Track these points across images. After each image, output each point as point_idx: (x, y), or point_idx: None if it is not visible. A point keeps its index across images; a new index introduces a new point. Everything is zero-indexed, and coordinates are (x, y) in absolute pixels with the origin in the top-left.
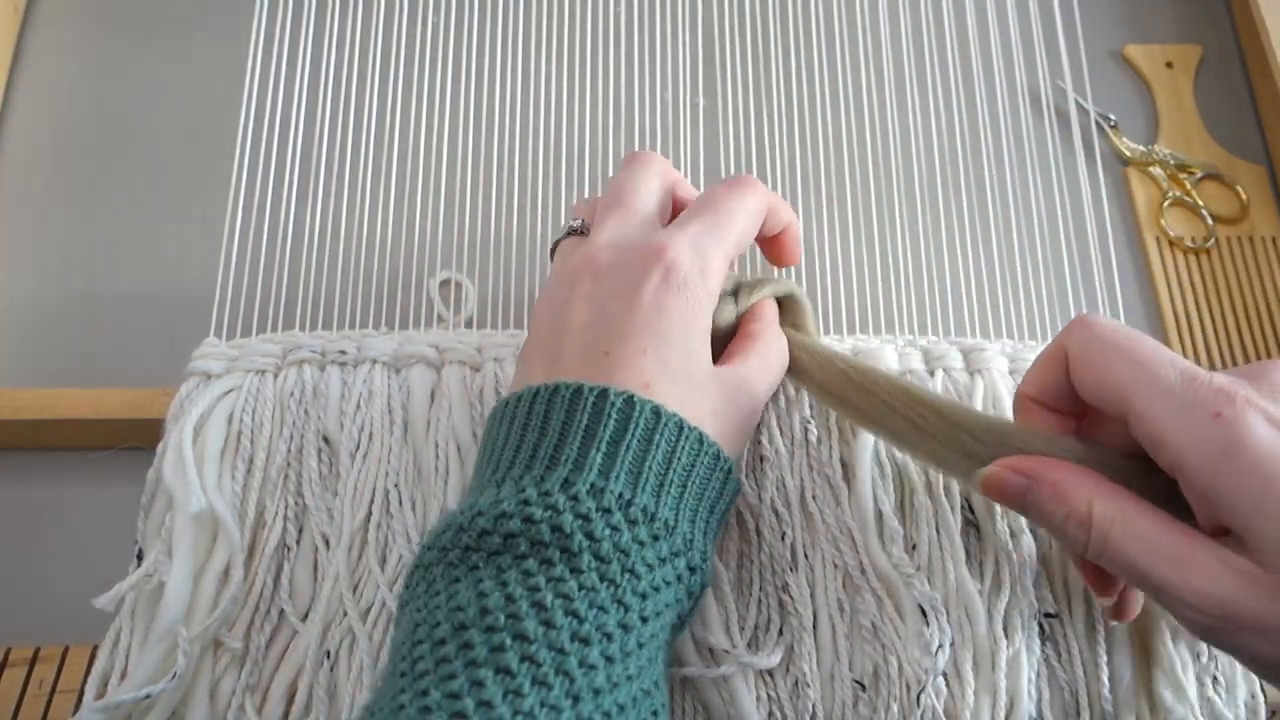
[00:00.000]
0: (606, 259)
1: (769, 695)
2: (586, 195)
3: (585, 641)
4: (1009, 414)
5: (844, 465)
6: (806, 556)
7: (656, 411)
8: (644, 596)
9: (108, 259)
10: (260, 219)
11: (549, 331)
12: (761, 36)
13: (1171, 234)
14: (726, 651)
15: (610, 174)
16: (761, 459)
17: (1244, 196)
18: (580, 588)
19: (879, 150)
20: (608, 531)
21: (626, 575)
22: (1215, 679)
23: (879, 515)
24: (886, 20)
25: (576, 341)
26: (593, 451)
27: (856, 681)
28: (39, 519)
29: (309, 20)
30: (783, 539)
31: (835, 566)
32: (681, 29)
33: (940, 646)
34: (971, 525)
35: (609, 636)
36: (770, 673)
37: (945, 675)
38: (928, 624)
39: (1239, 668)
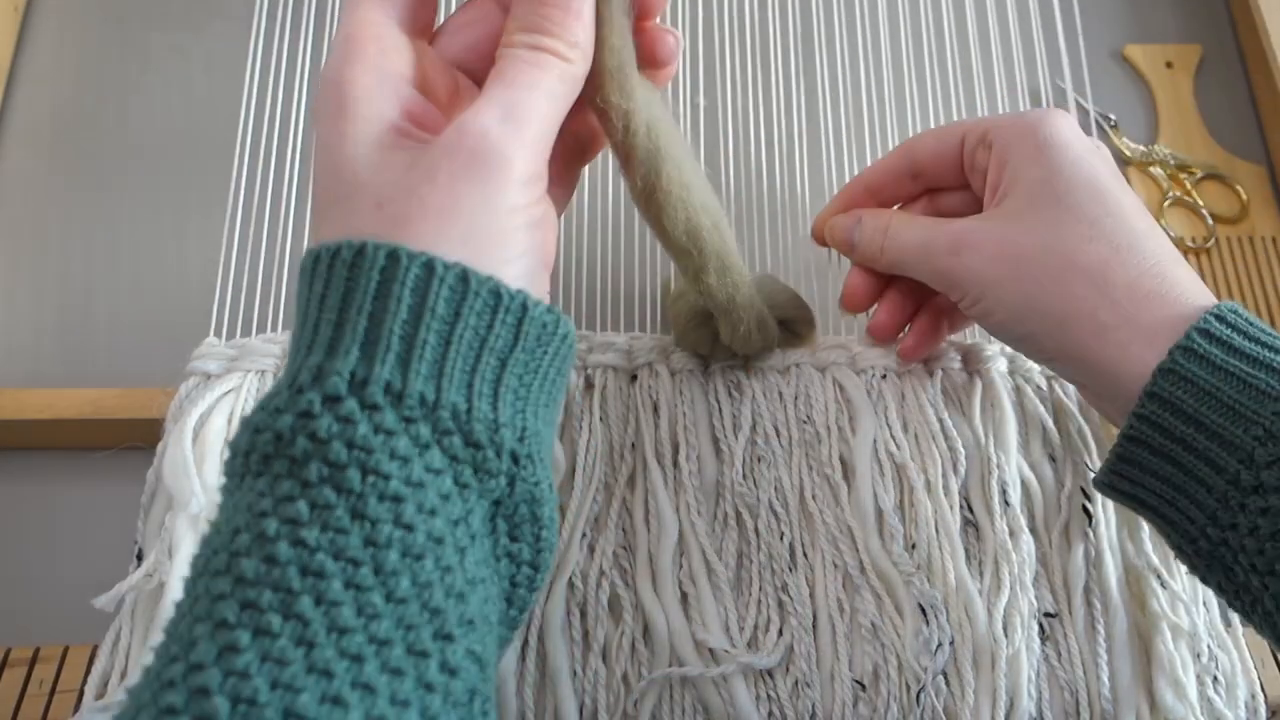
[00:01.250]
0: None
1: (769, 695)
2: (586, 194)
3: (319, 575)
4: (1007, 413)
5: (843, 463)
6: (806, 556)
7: (464, 276)
8: (398, 500)
9: (108, 259)
10: (260, 219)
11: None
12: (761, 36)
13: (1172, 234)
14: (726, 651)
15: (611, 173)
16: (759, 459)
17: (1244, 196)
18: (312, 507)
19: (879, 150)
20: (414, 451)
21: (370, 478)
22: (1215, 679)
23: (879, 514)
24: (886, 20)
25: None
26: (387, 331)
27: (856, 681)
28: (39, 519)
29: (309, 20)
30: (781, 539)
31: (835, 566)
32: (681, 29)
33: (940, 646)
34: (971, 525)
35: (354, 562)
36: (770, 673)
37: (945, 674)
38: (928, 623)
39: (1239, 667)
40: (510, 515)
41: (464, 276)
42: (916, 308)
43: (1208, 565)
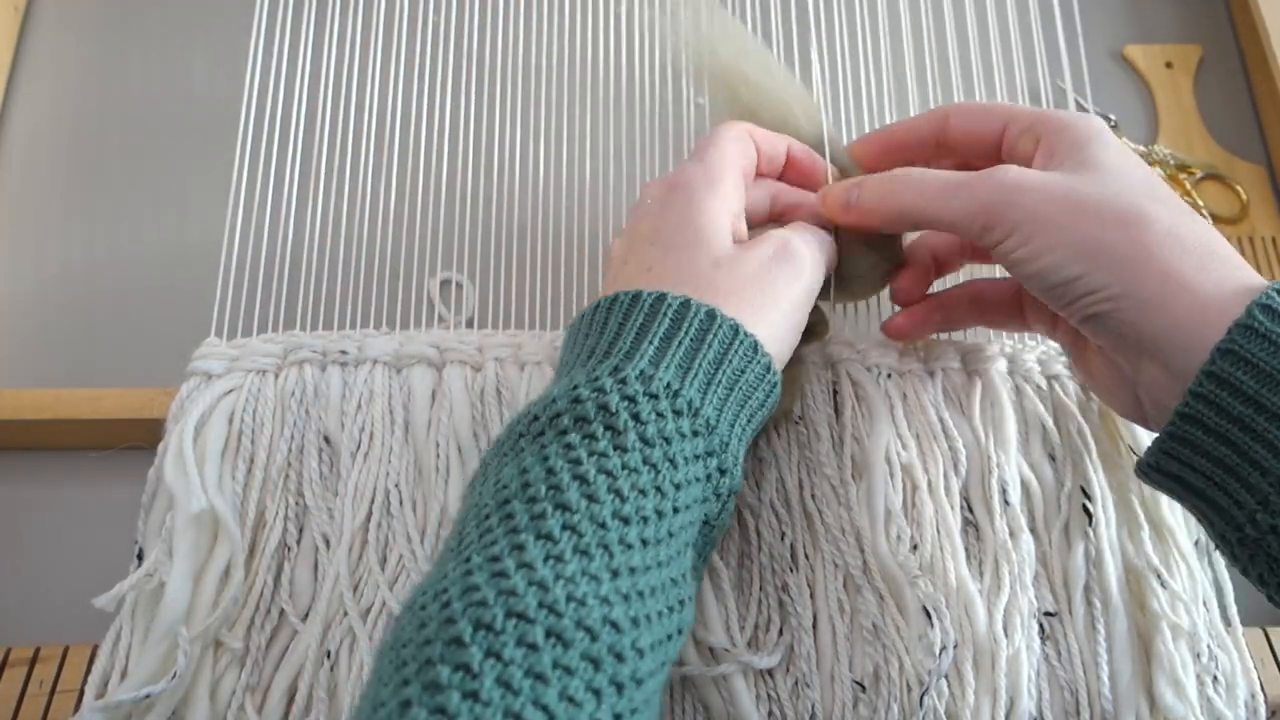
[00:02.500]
0: (640, 204)
1: (769, 695)
2: (588, 195)
3: (625, 521)
4: (1006, 413)
5: (853, 462)
6: (806, 556)
7: (712, 314)
8: (678, 487)
9: (108, 259)
10: (260, 219)
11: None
12: (761, 36)
13: None
14: (726, 651)
15: (611, 173)
16: (761, 459)
17: (1244, 196)
18: (624, 467)
19: None
20: (653, 416)
21: (666, 464)
22: (1215, 679)
23: (887, 514)
24: (886, 20)
25: (615, 263)
26: (645, 344)
27: (856, 682)
28: (39, 519)
29: (309, 21)
30: (782, 539)
31: (835, 566)
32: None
33: (944, 649)
34: (971, 525)
35: (645, 520)
36: (770, 672)
37: (945, 675)
38: (932, 625)
39: (1239, 668)
40: (717, 513)
41: (755, 348)
42: (941, 310)
43: (1251, 556)
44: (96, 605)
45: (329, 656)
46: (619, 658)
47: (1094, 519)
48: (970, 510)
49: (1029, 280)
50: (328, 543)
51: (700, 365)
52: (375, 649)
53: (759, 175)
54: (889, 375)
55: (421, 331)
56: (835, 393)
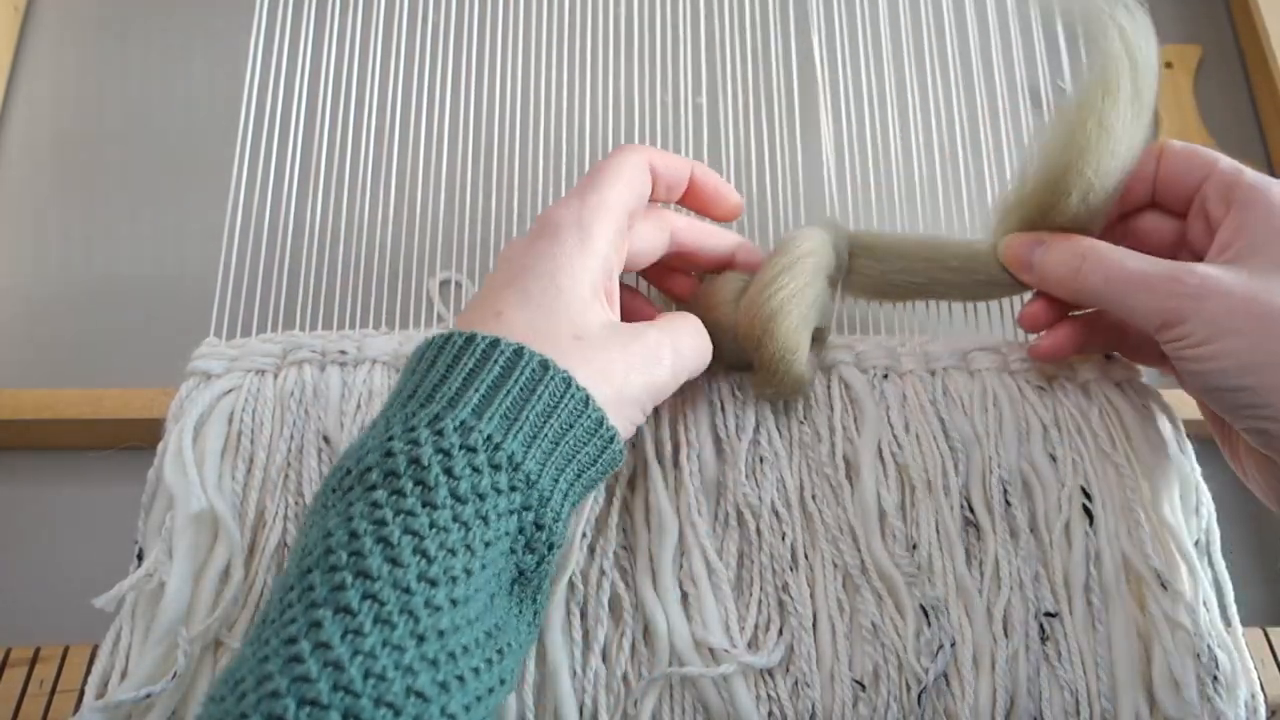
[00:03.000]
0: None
1: (769, 695)
2: None
3: (433, 583)
4: (1006, 413)
5: (847, 463)
6: (806, 556)
7: (545, 364)
8: (488, 545)
9: (108, 259)
10: (260, 219)
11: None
12: (761, 36)
13: None
14: (726, 651)
15: None
16: (761, 459)
17: None
18: (432, 525)
19: (879, 150)
20: (468, 470)
21: (478, 520)
22: (1215, 679)
23: (881, 514)
24: (887, 20)
25: (477, 301)
26: (470, 391)
27: (856, 681)
28: (39, 519)
29: (309, 21)
30: (783, 539)
31: (835, 566)
32: (681, 29)
33: (942, 647)
34: (971, 525)
35: (454, 580)
36: (770, 672)
37: (945, 674)
38: (929, 624)
39: (1239, 667)
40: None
41: (586, 401)
42: (1085, 333)
43: None
44: (96, 605)
45: None
46: None
47: (1094, 519)
48: (970, 510)
49: (1192, 377)
50: None
51: (527, 417)
52: None
53: (654, 200)
54: (886, 375)
55: (421, 331)
56: (846, 389)
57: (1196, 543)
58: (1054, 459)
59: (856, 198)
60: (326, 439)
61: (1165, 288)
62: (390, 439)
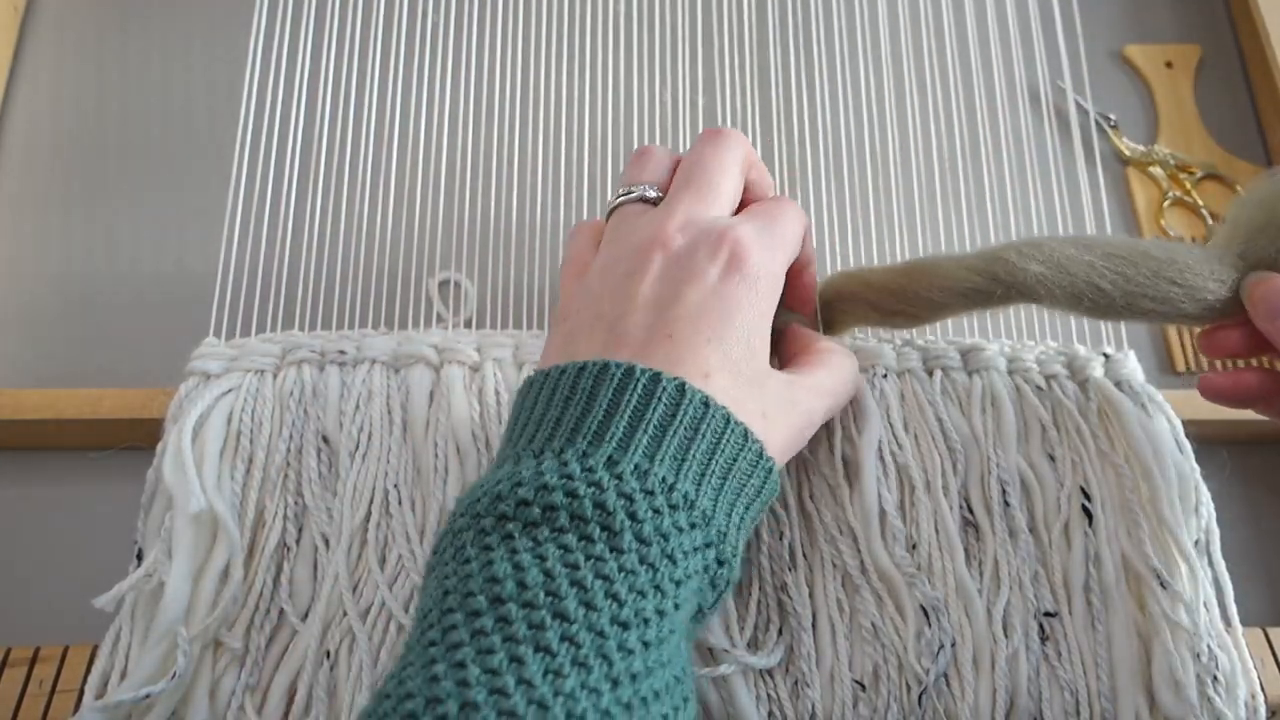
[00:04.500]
0: (680, 242)
1: (769, 695)
2: (587, 196)
3: (624, 626)
4: (1006, 413)
5: (846, 463)
6: (805, 556)
7: (706, 402)
8: (677, 584)
9: (107, 259)
10: (260, 219)
11: (610, 303)
12: (761, 36)
13: (1172, 234)
14: (726, 651)
15: (611, 173)
16: None
17: None
18: (620, 569)
19: (878, 150)
20: (650, 514)
21: (664, 560)
22: (1215, 679)
23: (881, 514)
24: (886, 20)
25: (641, 319)
26: (639, 433)
27: (856, 682)
28: (39, 519)
29: (309, 21)
30: (781, 539)
31: (834, 566)
32: (681, 28)
33: (942, 648)
34: (971, 525)
35: (646, 622)
36: (770, 672)
37: (945, 675)
38: (929, 624)
39: (1239, 667)
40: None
41: (745, 435)
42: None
43: None
44: (96, 605)
45: (328, 656)
46: None
47: (1094, 519)
48: (970, 510)
49: None
50: (327, 543)
51: (694, 456)
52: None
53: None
54: (885, 375)
55: (420, 331)
56: None
57: (1196, 543)
58: (1053, 459)
59: (856, 199)
60: (325, 439)
61: None
62: (570, 479)
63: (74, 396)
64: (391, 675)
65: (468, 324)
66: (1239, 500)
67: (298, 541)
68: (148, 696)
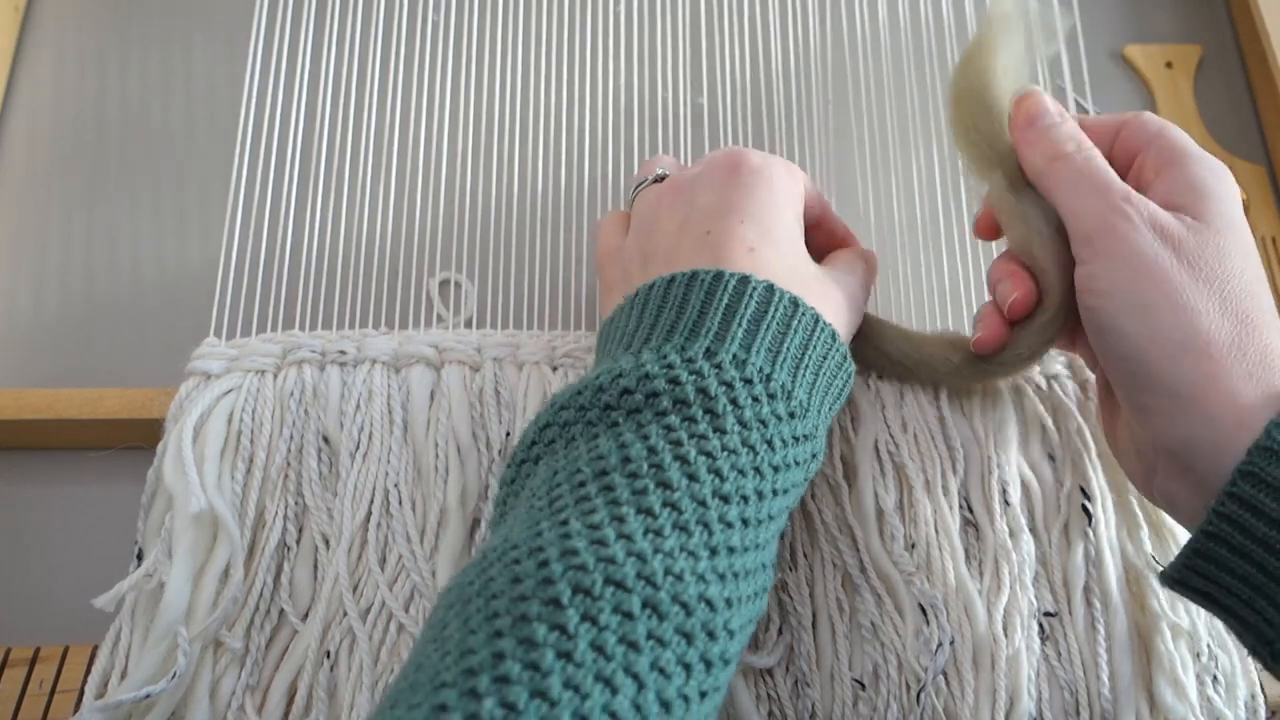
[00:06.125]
0: (689, 177)
1: (769, 695)
2: (587, 196)
3: (725, 500)
4: (1005, 413)
5: (844, 463)
6: (805, 556)
7: (795, 302)
8: (776, 470)
9: (108, 259)
10: (260, 219)
11: (638, 245)
12: (761, 36)
13: None
14: None
15: (611, 173)
16: None
17: (1244, 196)
18: (723, 448)
19: (878, 150)
20: (750, 400)
21: (764, 446)
22: (1215, 679)
23: (879, 514)
24: (886, 20)
25: (672, 236)
26: (734, 327)
27: (856, 681)
28: (39, 519)
29: (309, 20)
30: (781, 538)
31: (834, 566)
32: (681, 29)
33: (940, 645)
34: (971, 525)
35: (745, 500)
36: (770, 672)
37: (945, 674)
38: (928, 623)
39: (1239, 668)
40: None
41: (834, 336)
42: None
43: None
44: (96, 605)
45: (329, 657)
46: (711, 635)
47: (1094, 519)
48: (970, 510)
49: (1091, 314)
50: (327, 543)
51: (788, 350)
52: (446, 589)
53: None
54: (880, 375)
55: (420, 331)
56: None
57: None
58: (1052, 459)
59: (856, 199)
60: (326, 439)
61: (1117, 201)
62: (672, 368)
63: (74, 396)
64: (501, 535)
65: (468, 324)
66: None
67: (298, 541)
68: (148, 696)
